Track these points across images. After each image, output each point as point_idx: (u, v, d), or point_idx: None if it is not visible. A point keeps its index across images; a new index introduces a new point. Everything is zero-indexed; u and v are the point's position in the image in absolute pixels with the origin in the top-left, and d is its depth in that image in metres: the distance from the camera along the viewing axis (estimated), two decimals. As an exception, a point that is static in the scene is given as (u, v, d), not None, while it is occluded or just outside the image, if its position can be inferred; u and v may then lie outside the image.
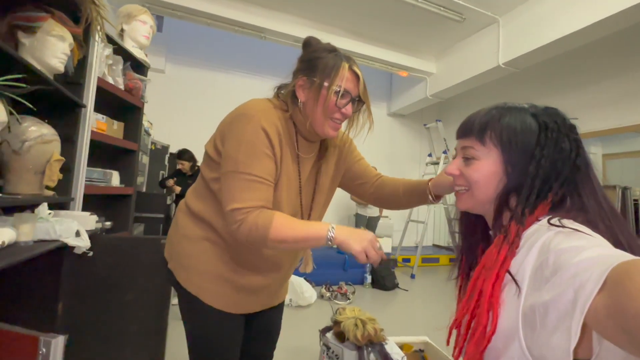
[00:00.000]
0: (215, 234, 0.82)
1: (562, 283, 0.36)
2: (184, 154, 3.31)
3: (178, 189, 3.17)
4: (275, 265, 0.87)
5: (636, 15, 2.63)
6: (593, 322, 0.33)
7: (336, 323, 1.73)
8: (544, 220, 0.47)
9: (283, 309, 1.05)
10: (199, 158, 2.44)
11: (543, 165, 0.50)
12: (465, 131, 0.57)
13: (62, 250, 1.16)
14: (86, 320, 1.27)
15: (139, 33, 1.83)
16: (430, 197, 0.84)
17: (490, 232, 0.58)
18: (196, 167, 3.34)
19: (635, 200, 2.91)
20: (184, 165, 3.29)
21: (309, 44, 0.82)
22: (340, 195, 0.97)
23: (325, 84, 0.74)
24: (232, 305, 0.84)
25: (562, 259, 0.38)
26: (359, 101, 0.80)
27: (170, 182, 3.19)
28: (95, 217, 1.36)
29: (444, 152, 4.53)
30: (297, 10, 3.84)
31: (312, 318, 2.62)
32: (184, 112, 4.60)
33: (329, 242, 0.68)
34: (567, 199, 0.50)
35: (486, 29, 3.87)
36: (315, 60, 0.76)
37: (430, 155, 4.94)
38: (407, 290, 3.62)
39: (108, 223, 1.72)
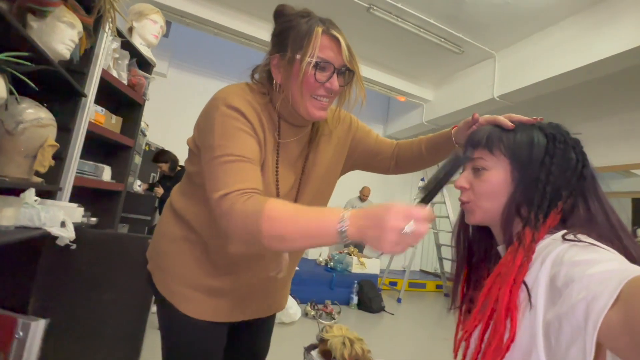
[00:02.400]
0: (194, 234, 0.74)
1: (575, 296, 0.35)
2: (161, 156, 3.16)
3: (160, 191, 3.08)
4: (257, 264, 0.76)
5: (623, 62, 2.79)
6: (606, 338, 0.31)
7: (322, 341, 1.67)
8: (558, 234, 0.47)
9: (272, 328, 0.96)
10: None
11: (554, 173, 0.50)
12: (474, 143, 0.58)
13: (42, 241, 1.10)
14: (59, 317, 1.19)
15: (148, 31, 1.83)
16: (456, 145, 0.74)
17: (499, 247, 0.57)
18: (178, 167, 3.24)
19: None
20: (162, 167, 3.16)
21: (280, 13, 0.67)
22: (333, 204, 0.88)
23: (298, 56, 0.61)
24: (210, 313, 0.75)
25: (575, 271, 0.37)
26: (348, 71, 0.66)
27: (159, 191, 3.11)
28: (82, 210, 1.30)
29: (437, 178, 4.59)
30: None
31: (296, 336, 2.52)
32: (182, 117, 4.55)
33: (344, 239, 0.48)
34: (577, 208, 0.50)
35: (483, 63, 4.04)
36: (286, 32, 0.64)
37: (422, 179, 4.99)
38: (393, 314, 3.55)
39: (93, 219, 1.65)
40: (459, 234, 0.64)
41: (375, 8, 3.27)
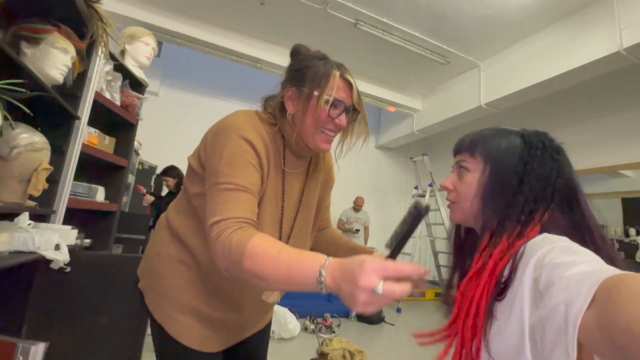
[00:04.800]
0: (190, 257, 0.73)
1: (554, 298, 0.36)
2: (171, 170, 3.15)
3: (151, 198, 3.03)
4: (250, 300, 0.76)
5: (598, 69, 2.91)
6: (586, 338, 0.32)
7: (322, 355, 1.66)
8: (539, 237, 0.48)
9: (268, 342, 0.95)
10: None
11: (526, 181, 0.51)
12: (460, 147, 0.61)
13: (36, 265, 1.09)
14: (54, 342, 1.17)
15: (140, 53, 1.87)
16: None
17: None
18: (182, 186, 3.22)
19: (611, 239, 3.03)
20: (168, 182, 3.13)
21: (297, 52, 0.76)
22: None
23: (315, 93, 0.68)
24: (200, 342, 0.73)
25: (555, 273, 0.38)
26: (354, 110, 0.74)
27: (149, 198, 3.05)
28: (76, 232, 1.30)
29: (430, 185, 4.63)
30: (292, 44, 3.98)
31: (296, 351, 2.48)
32: (175, 135, 4.59)
33: (321, 290, 0.46)
34: (556, 222, 0.50)
35: (469, 72, 4.16)
36: (304, 69, 0.71)
37: (416, 187, 5.04)
38: (393, 325, 3.52)
39: (87, 240, 1.64)
40: (449, 237, 0.66)
41: (361, 23, 3.37)
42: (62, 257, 1.03)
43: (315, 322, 3.08)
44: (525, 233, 0.49)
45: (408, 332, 3.38)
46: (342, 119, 0.71)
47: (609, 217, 4.01)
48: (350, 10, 3.22)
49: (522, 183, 0.52)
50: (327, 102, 0.68)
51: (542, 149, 0.54)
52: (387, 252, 0.49)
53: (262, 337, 0.91)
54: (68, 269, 1.08)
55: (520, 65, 3.47)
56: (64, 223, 1.37)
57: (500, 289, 0.46)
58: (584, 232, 0.49)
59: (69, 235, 1.23)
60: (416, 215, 0.47)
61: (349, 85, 0.71)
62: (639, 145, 3.35)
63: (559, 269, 0.38)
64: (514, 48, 3.57)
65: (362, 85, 4.59)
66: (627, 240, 3.65)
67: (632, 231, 3.82)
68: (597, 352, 0.32)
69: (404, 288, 0.42)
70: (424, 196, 4.70)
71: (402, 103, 4.91)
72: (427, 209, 0.48)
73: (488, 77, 3.87)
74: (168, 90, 4.79)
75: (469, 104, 4.06)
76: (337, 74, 0.69)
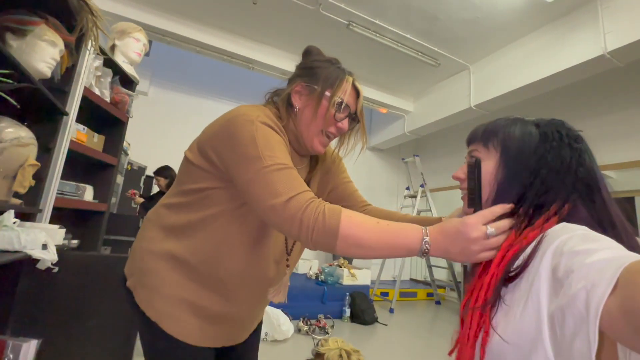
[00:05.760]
0: (187, 252, 0.71)
1: (575, 285, 0.35)
2: (164, 170, 3.10)
3: (140, 200, 2.99)
4: (250, 294, 0.75)
5: (584, 71, 2.99)
6: (608, 326, 0.31)
7: (318, 355, 1.64)
8: (558, 226, 0.47)
9: (258, 344, 0.93)
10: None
11: (541, 172, 0.50)
12: (473, 137, 0.59)
13: (20, 265, 1.04)
14: (40, 345, 1.12)
15: (131, 49, 1.83)
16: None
17: None
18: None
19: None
20: (160, 182, 3.08)
21: (310, 52, 0.77)
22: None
23: (327, 93, 0.69)
24: (198, 337, 0.72)
25: (575, 261, 0.37)
26: (354, 119, 0.75)
27: (139, 200, 3.01)
28: (63, 231, 1.25)
29: (421, 186, 4.68)
30: (284, 45, 4.03)
31: (290, 353, 2.45)
32: (165, 135, 4.51)
33: (423, 255, 0.52)
34: (577, 213, 0.48)
35: (459, 74, 4.23)
36: (316, 69, 0.72)
37: (408, 188, 5.07)
38: (386, 325, 3.52)
39: (75, 241, 1.58)
40: None
41: (354, 24, 3.38)
42: (49, 257, 0.99)
43: (308, 323, 3.05)
44: (538, 224, 0.48)
45: (401, 333, 3.38)
46: (345, 124, 0.72)
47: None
48: (343, 11, 3.24)
49: (536, 174, 0.50)
50: (338, 103, 0.69)
51: (559, 139, 0.52)
52: (470, 204, 0.56)
53: (254, 338, 0.90)
54: (56, 269, 1.04)
55: (509, 67, 3.55)
56: (51, 223, 1.32)
57: (509, 276, 0.46)
58: (606, 227, 0.47)
59: (57, 234, 1.18)
60: (474, 168, 0.54)
61: (357, 93, 0.73)
62: (621, 147, 3.45)
63: (579, 257, 0.37)
64: (503, 51, 3.65)
65: (354, 87, 4.61)
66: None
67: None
68: (620, 340, 0.31)
69: (505, 222, 0.50)
70: (415, 196, 4.74)
71: (394, 104, 4.95)
72: (478, 161, 0.55)
73: (478, 79, 3.94)
74: (158, 90, 4.71)
75: (459, 105, 4.12)
76: (351, 79, 0.72)
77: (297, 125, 0.72)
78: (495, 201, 0.53)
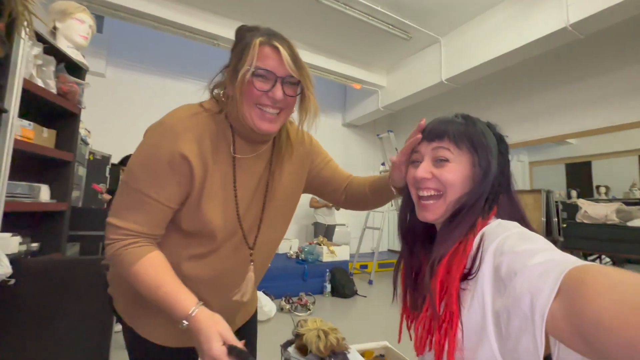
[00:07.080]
0: None
1: (519, 288, 0.37)
2: (127, 160, 2.99)
3: (108, 197, 2.86)
4: (218, 288, 0.75)
5: (554, 42, 3.04)
6: (551, 327, 0.34)
7: (298, 336, 1.69)
8: (494, 224, 0.51)
9: (256, 330, 0.95)
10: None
11: (502, 171, 0.56)
12: (440, 133, 0.57)
13: (-25, 280, 0.98)
14: (6, 356, 1.08)
15: (75, 32, 1.65)
16: (394, 190, 0.76)
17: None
18: None
19: (556, 202, 3.32)
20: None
21: (237, 32, 0.68)
22: (299, 204, 0.89)
23: (239, 67, 0.62)
24: (173, 339, 0.73)
25: (517, 263, 0.40)
26: (295, 82, 0.65)
27: (106, 197, 2.87)
28: (18, 239, 1.18)
29: (396, 161, 4.75)
30: (251, 20, 3.76)
31: (272, 333, 2.53)
32: (127, 119, 4.25)
33: (183, 327, 0.60)
34: (504, 207, 0.56)
35: (430, 47, 4.20)
36: (234, 48, 0.66)
37: (383, 164, 5.15)
38: (365, 297, 3.69)
39: (35, 244, 1.50)
40: (401, 224, 0.65)
41: (322, -4, 3.23)
42: (2, 270, 0.93)
43: (290, 301, 3.15)
44: (487, 220, 0.53)
45: (379, 303, 3.57)
46: (276, 91, 0.63)
47: (554, 182, 4.40)
48: (310, -18, 3.07)
49: (498, 174, 0.55)
50: (249, 72, 0.61)
51: (501, 140, 0.59)
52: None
53: (250, 325, 0.92)
54: (12, 282, 0.99)
55: (478, 40, 3.55)
56: (4, 229, 1.23)
57: (464, 274, 0.48)
58: (520, 219, 0.53)
59: (10, 243, 1.12)
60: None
61: (278, 52, 0.62)
62: (582, 115, 3.63)
63: (520, 257, 0.40)
64: (471, 24, 3.63)
65: (327, 62, 4.49)
66: (569, 201, 4.03)
67: (574, 193, 4.23)
68: (561, 340, 0.34)
69: None
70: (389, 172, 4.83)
71: (367, 80, 4.88)
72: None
73: (448, 52, 3.93)
74: (116, 70, 4.37)
75: (431, 79, 4.12)
76: (257, 41, 0.61)
77: (238, 111, 0.66)
78: (467, 202, 0.54)
